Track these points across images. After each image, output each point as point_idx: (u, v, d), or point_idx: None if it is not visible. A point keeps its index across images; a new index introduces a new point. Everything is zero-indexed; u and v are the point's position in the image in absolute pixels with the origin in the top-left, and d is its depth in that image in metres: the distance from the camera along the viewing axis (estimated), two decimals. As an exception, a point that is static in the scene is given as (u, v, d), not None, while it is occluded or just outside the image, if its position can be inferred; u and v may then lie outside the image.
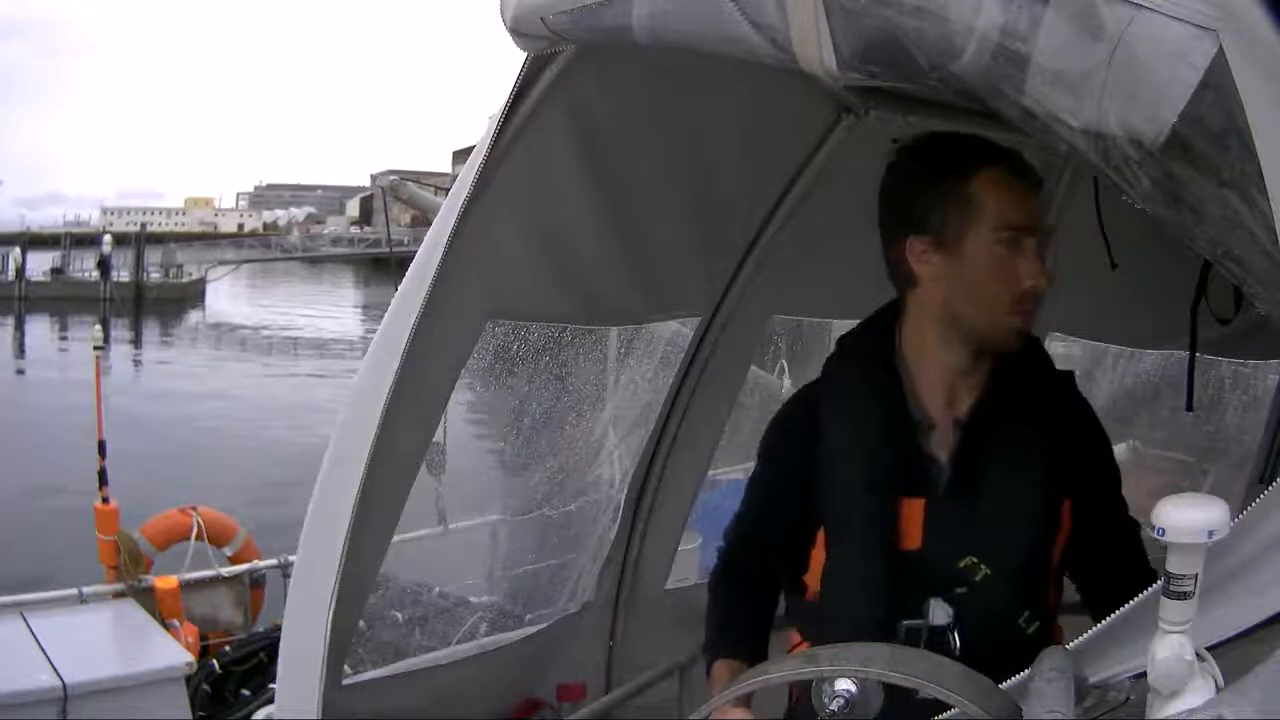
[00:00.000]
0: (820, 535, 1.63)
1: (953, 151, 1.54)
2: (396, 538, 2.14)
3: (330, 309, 43.52)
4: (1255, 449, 2.87)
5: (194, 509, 6.48)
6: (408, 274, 1.76)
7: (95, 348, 6.22)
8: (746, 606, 1.75)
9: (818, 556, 1.64)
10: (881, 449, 1.57)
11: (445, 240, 1.71)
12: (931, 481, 1.56)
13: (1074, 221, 2.25)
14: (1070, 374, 1.70)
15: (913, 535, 1.55)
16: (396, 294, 1.77)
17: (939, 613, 1.52)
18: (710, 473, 3.07)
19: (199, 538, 6.26)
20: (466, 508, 5.34)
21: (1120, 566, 1.57)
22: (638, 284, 2.34)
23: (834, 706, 1.17)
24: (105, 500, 5.74)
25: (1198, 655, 0.96)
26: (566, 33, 1.43)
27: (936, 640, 1.50)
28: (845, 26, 1.06)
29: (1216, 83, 0.88)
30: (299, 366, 26.27)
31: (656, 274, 2.35)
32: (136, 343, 30.50)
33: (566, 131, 1.86)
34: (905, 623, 1.52)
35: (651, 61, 1.66)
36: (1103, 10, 0.91)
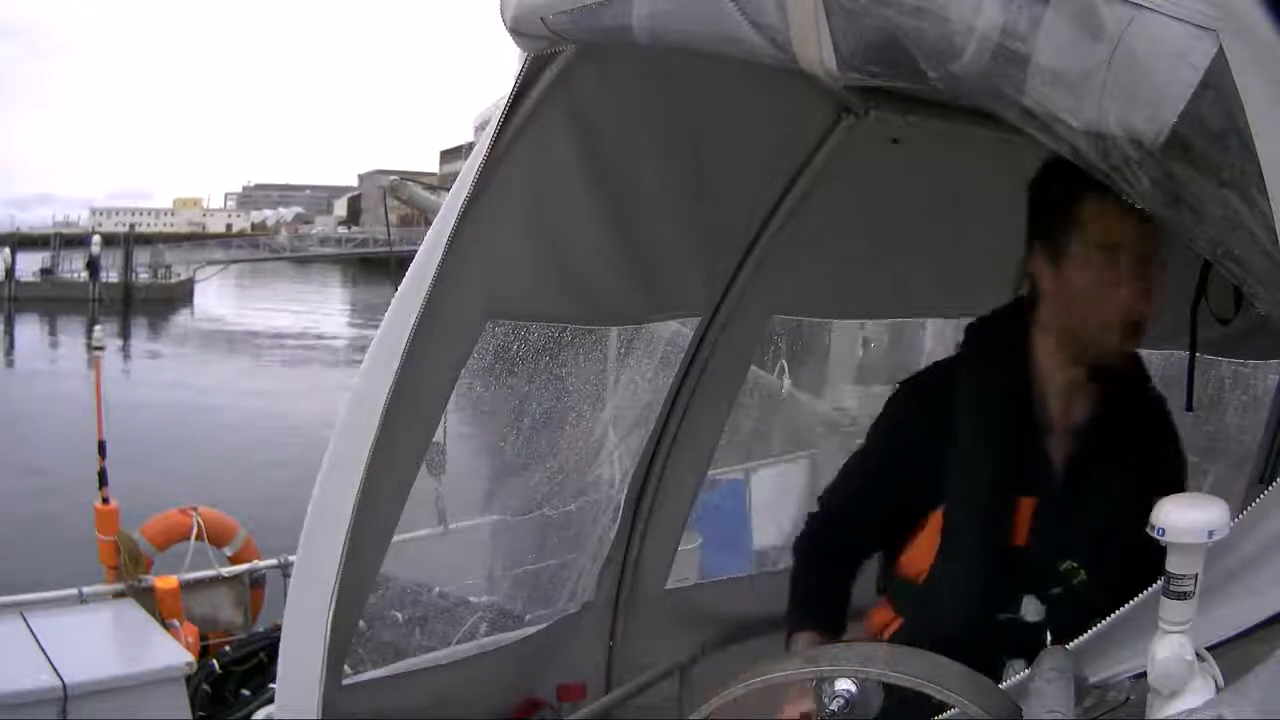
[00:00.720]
0: (930, 520, 1.67)
1: (1067, 167, 1.57)
2: (396, 538, 2.13)
3: (318, 307, 43.52)
4: (1255, 449, 2.87)
5: (194, 509, 6.46)
6: (407, 274, 1.76)
7: (95, 349, 6.20)
8: (833, 580, 1.82)
9: (926, 539, 1.68)
10: (1009, 448, 1.62)
11: (445, 240, 1.70)
12: (1046, 483, 1.62)
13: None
14: (1164, 398, 1.76)
15: (1021, 533, 1.61)
16: (396, 294, 1.77)
17: (1031, 609, 1.58)
18: (710, 473, 3.07)
19: (199, 538, 6.24)
20: (466, 508, 5.34)
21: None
22: (638, 284, 2.33)
23: (834, 706, 1.18)
24: (105, 500, 5.73)
25: (1198, 655, 0.96)
26: (566, 33, 1.43)
27: (1031, 636, 1.54)
28: (845, 26, 1.06)
29: (1216, 83, 0.88)
30: (290, 364, 26.24)
31: (656, 274, 2.35)
32: (125, 342, 30.48)
33: (566, 131, 1.86)
34: (1001, 616, 1.57)
35: (651, 61, 1.66)
36: (1103, 10, 0.91)
